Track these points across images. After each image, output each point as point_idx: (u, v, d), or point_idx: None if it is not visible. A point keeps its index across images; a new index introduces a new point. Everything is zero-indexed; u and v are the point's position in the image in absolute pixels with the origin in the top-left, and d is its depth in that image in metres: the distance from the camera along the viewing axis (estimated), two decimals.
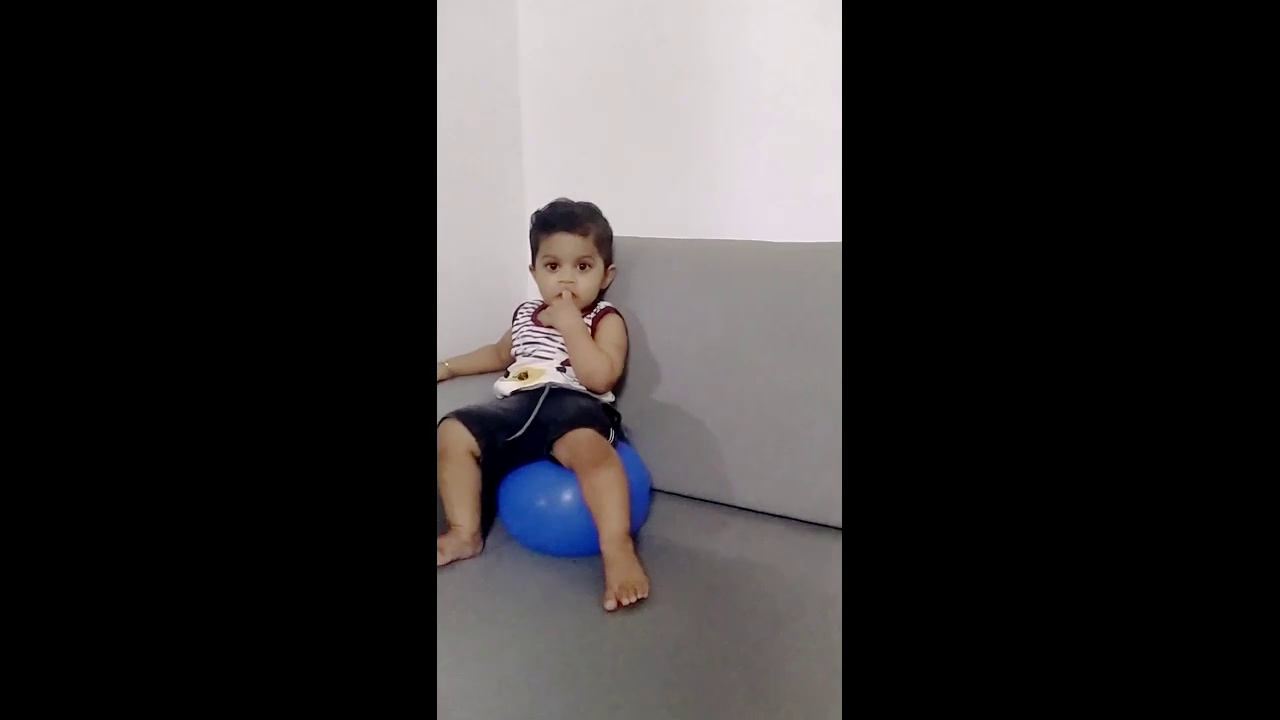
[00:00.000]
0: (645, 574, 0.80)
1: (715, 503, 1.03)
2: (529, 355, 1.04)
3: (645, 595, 0.77)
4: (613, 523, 0.83)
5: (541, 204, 1.09)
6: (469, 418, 0.91)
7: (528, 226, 1.09)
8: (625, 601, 0.75)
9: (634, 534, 0.92)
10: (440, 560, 0.85)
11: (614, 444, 0.94)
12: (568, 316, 1.00)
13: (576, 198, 1.09)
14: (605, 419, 0.97)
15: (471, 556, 0.89)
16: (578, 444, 0.88)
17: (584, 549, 0.84)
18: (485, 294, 1.38)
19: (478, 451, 0.90)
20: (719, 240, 1.13)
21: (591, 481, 0.84)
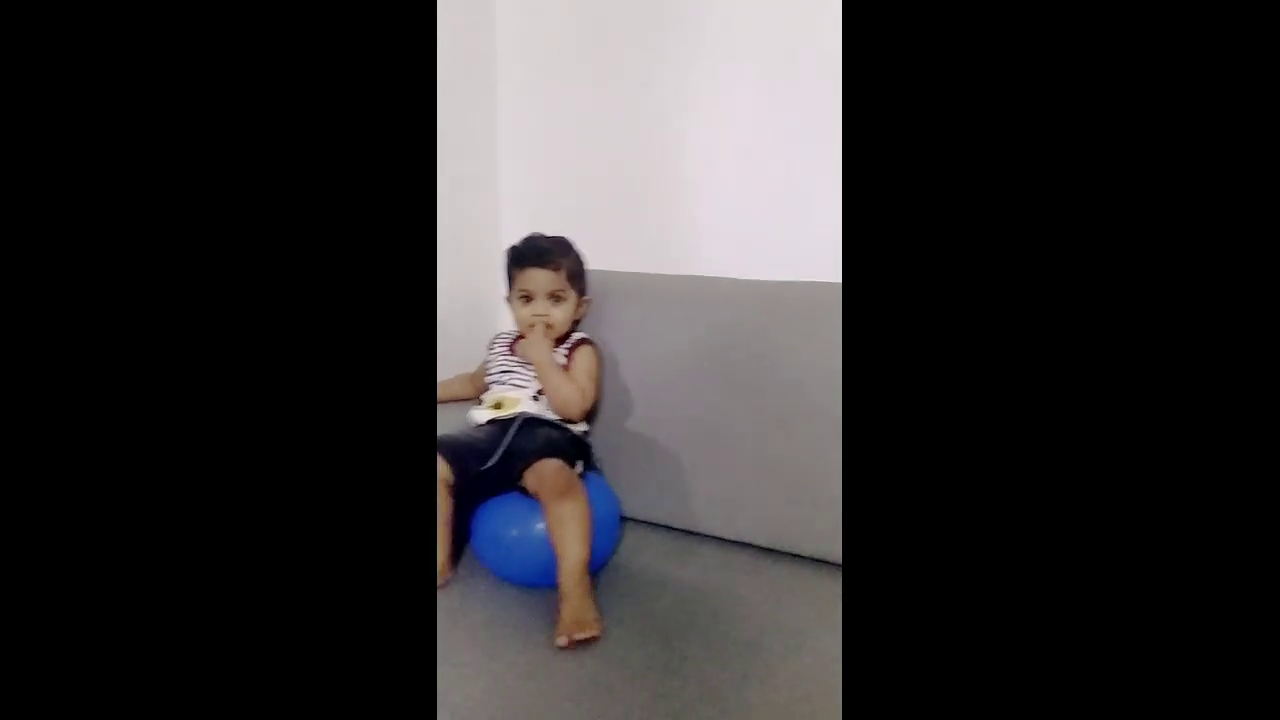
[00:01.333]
0: (598, 612, 0.81)
1: (686, 531, 1.05)
2: (504, 384, 1.06)
3: (596, 634, 0.78)
4: (571, 555, 0.84)
5: (517, 235, 1.12)
6: (443, 446, 0.93)
7: (503, 259, 1.12)
8: (576, 638, 0.77)
9: (604, 562, 0.94)
10: None
11: (582, 475, 0.96)
12: (538, 350, 1.03)
13: (551, 229, 1.12)
14: (572, 450, 0.99)
15: (442, 586, 0.90)
16: (544, 474, 0.90)
17: (553, 580, 0.85)
18: (461, 324, 1.39)
19: (451, 479, 0.92)
20: (692, 275, 1.17)
21: (555, 512, 0.86)
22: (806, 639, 0.79)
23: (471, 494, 0.95)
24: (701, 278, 1.15)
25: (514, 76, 1.41)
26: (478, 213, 1.44)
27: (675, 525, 1.06)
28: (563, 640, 0.77)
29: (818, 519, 0.94)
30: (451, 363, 1.24)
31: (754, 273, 1.10)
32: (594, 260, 1.14)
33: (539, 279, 1.05)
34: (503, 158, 1.45)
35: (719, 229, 1.28)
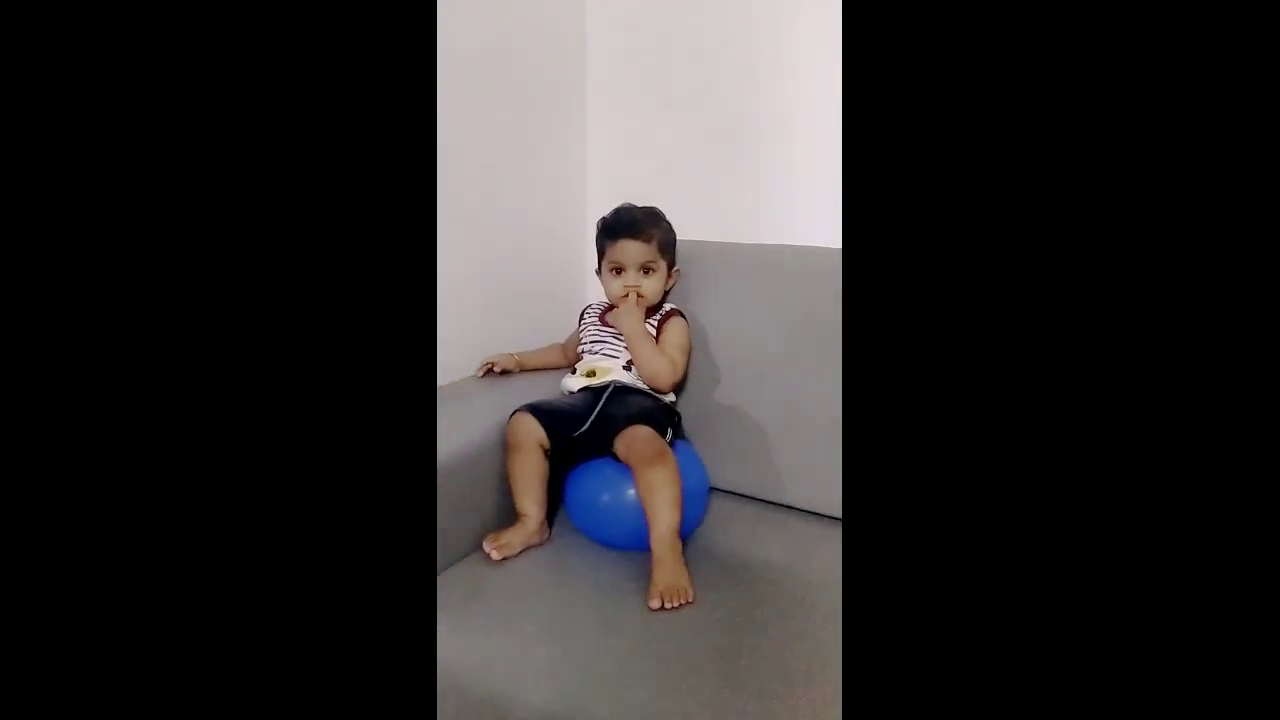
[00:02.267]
0: (690, 578, 0.82)
1: (773, 503, 1.05)
2: (596, 354, 1.08)
3: (689, 600, 0.79)
4: (663, 520, 0.85)
5: (605, 209, 1.13)
6: (539, 411, 0.96)
7: (592, 231, 1.14)
8: (669, 604, 0.78)
9: (691, 532, 0.95)
10: (510, 552, 0.90)
11: (671, 443, 0.98)
12: (630, 321, 1.04)
13: (639, 202, 1.13)
14: (664, 418, 1.00)
15: (539, 545, 0.93)
16: (635, 441, 0.91)
17: (644, 544, 0.87)
18: (550, 295, 1.43)
19: (546, 444, 0.95)
20: (781, 245, 1.15)
21: (645, 478, 0.87)
22: None
23: (564, 459, 0.98)
24: (793, 247, 1.13)
25: (603, 47, 1.42)
26: (566, 186, 1.46)
27: (763, 497, 1.06)
28: (655, 603, 0.79)
29: None
30: (545, 333, 1.27)
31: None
32: (683, 231, 1.15)
33: (630, 250, 1.06)
34: (591, 129, 1.46)
35: (812, 198, 1.25)
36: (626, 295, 1.06)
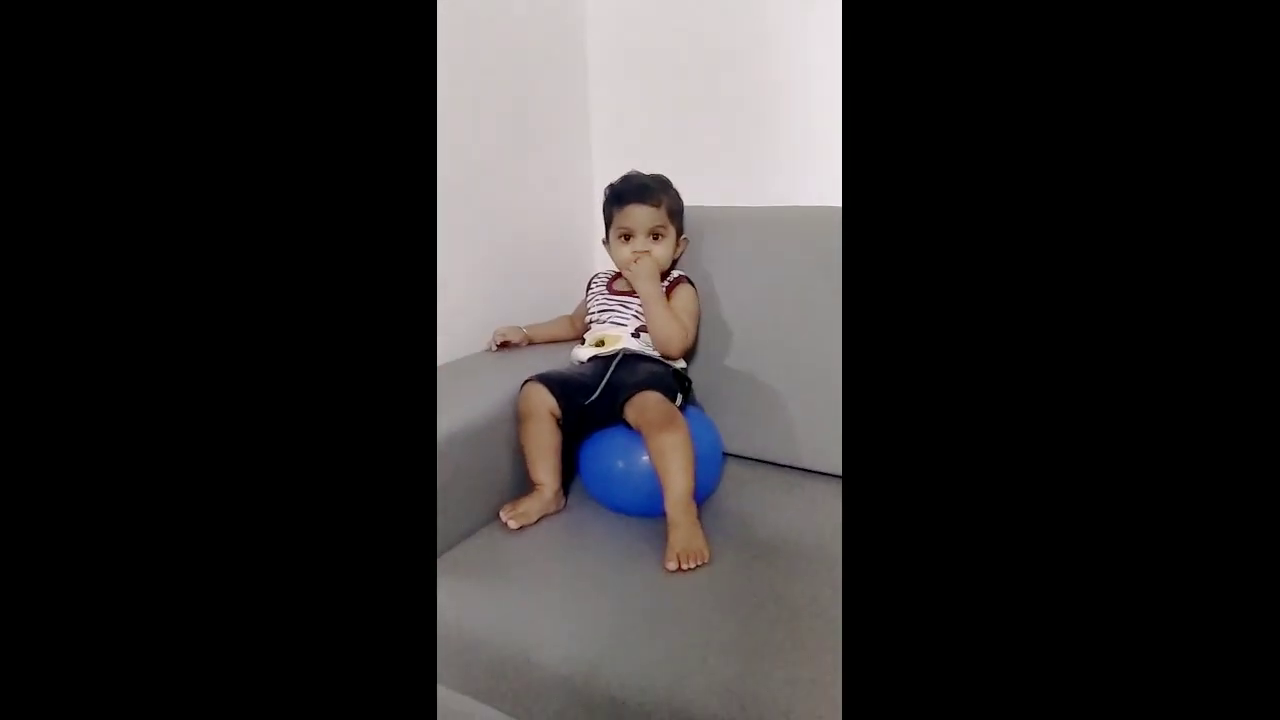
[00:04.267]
0: (706, 539, 0.83)
1: (787, 466, 1.05)
2: (604, 323, 1.08)
3: (705, 561, 0.80)
4: (676, 484, 0.86)
5: (609, 177, 1.12)
6: (549, 381, 0.96)
7: (597, 201, 1.13)
8: (686, 566, 0.79)
9: (706, 497, 0.96)
10: (527, 520, 0.91)
11: (682, 408, 0.98)
12: (648, 284, 1.03)
13: (645, 169, 1.11)
14: (674, 383, 1.00)
15: (556, 513, 0.94)
16: (645, 406, 0.91)
17: (659, 510, 0.88)
18: (556, 266, 1.42)
19: (558, 413, 0.95)
20: (787, 206, 1.14)
21: (657, 443, 0.87)
22: None
23: (577, 428, 0.98)
24: (800, 208, 1.12)
25: (604, 14, 1.40)
26: (570, 157, 1.45)
27: (777, 460, 1.06)
28: (672, 564, 0.79)
29: None
30: (553, 305, 1.27)
31: None
32: (690, 198, 1.13)
33: (639, 216, 1.05)
34: (593, 98, 1.45)
35: (817, 159, 1.24)
36: (638, 260, 1.05)
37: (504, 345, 1.14)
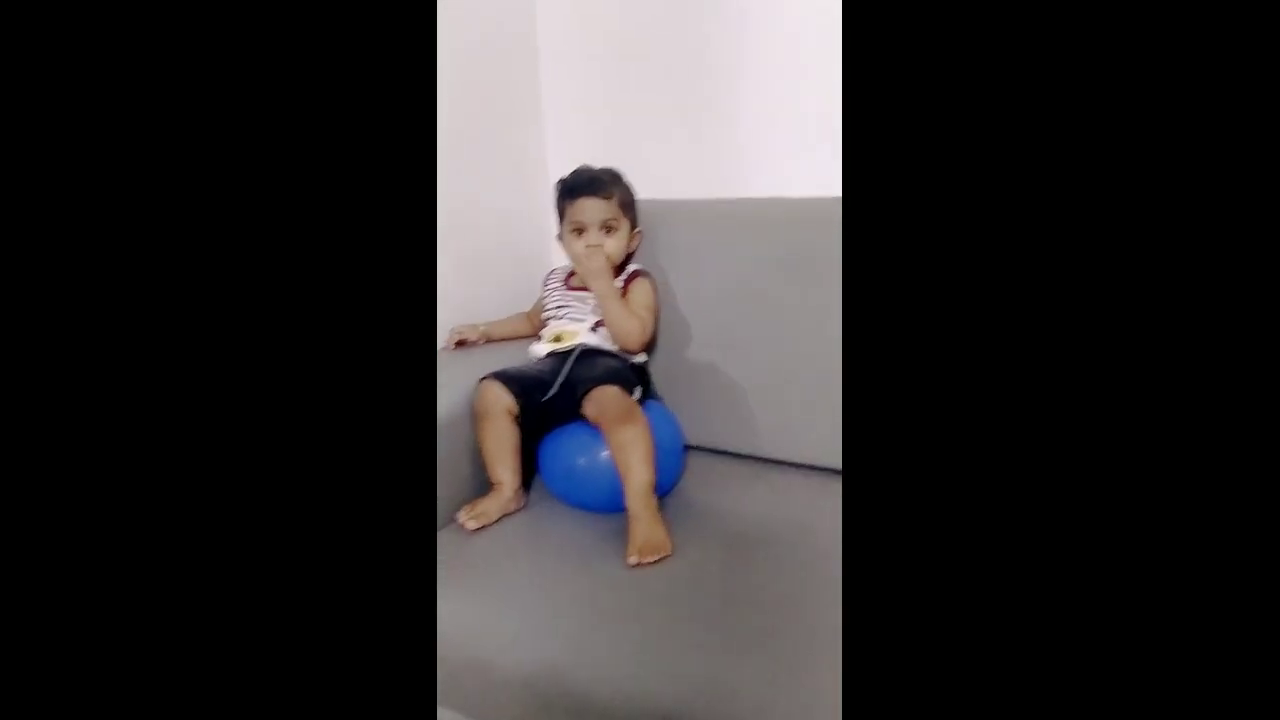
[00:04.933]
0: (668, 533, 0.82)
1: (748, 456, 1.05)
2: (561, 318, 1.07)
3: (667, 554, 0.79)
4: (637, 479, 0.85)
5: (564, 173, 1.10)
6: (506, 378, 0.95)
7: (552, 196, 1.11)
8: (647, 560, 0.78)
9: (669, 490, 0.95)
10: (487, 521, 0.89)
11: (642, 401, 0.97)
12: (601, 281, 1.02)
13: (599, 164, 1.10)
14: (632, 377, 0.99)
15: (516, 512, 0.92)
16: (603, 401, 0.90)
17: (621, 505, 0.87)
18: (513, 263, 1.40)
19: (516, 411, 0.94)
20: (743, 198, 1.14)
21: (616, 438, 0.87)
22: None
23: (536, 425, 0.96)
24: (755, 199, 1.12)
25: (554, 7, 1.38)
26: (524, 153, 1.43)
27: (738, 451, 1.06)
28: (634, 559, 0.78)
29: None
30: (507, 302, 1.25)
31: (808, 190, 1.07)
32: (642, 190, 1.13)
33: (591, 208, 1.04)
34: (546, 91, 1.43)
35: (772, 149, 1.24)
36: (591, 255, 1.03)
37: (461, 344, 1.12)
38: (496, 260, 1.36)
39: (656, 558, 0.79)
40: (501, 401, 0.93)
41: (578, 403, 0.92)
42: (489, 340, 1.15)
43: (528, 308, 1.22)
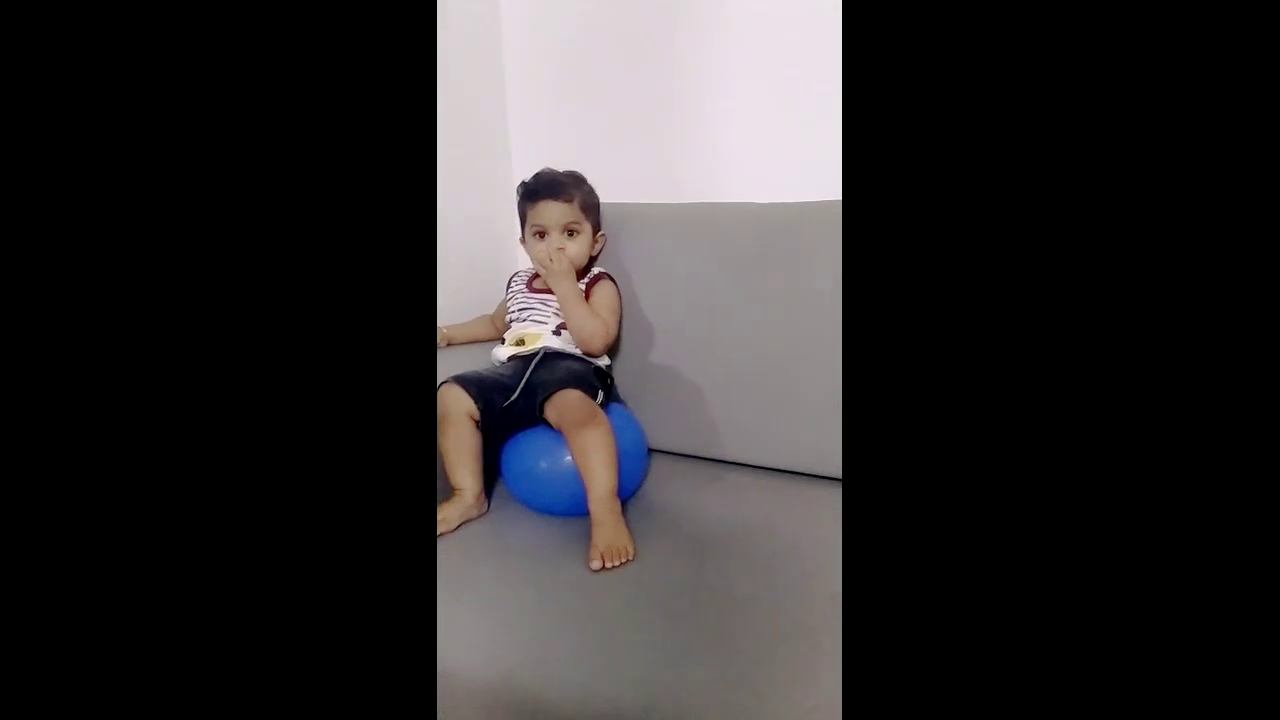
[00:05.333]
0: (630, 536, 0.82)
1: (710, 459, 1.05)
2: (524, 321, 1.06)
3: (630, 558, 0.79)
4: (599, 482, 0.85)
5: (528, 174, 1.10)
6: (467, 382, 0.93)
7: (515, 200, 1.11)
8: (610, 564, 0.78)
9: (632, 493, 0.95)
10: (448, 528, 0.88)
11: (604, 405, 0.97)
12: (564, 284, 1.02)
13: (563, 167, 1.10)
14: (594, 381, 0.99)
15: (478, 517, 0.91)
16: (565, 405, 0.90)
17: (584, 509, 0.86)
18: (476, 265, 1.39)
19: (477, 415, 0.93)
20: (707, 203, 1.15)
21: (578, 442, 0.86)
22: (830, 553, 0.79)
23: (498, 429, 0.96)
24: (719, 204, 1.13)
25: (519, 10, 1.37)
26: (488, 155, 1.42)
27: (701, 454, 1.06)
28: (596, 563, 0.78)
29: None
30: (471, 305, 1.24)
31: (770, 196, 1.08)
32: (605, 194, 1.13)
33: (552, 212, 1.04)
34: (511, 95, 1.42)
35: (733, 155, 1.25)
36: (552, 259, 1.03)
37: None
38: (457, 263, 1.35)
39: (619, 561, 0.78)
40: (462, 405, 0.92)
41: (540, 407, 0.92)
42: (450, 344, 1.14)
43: (489, 311, 1.21)
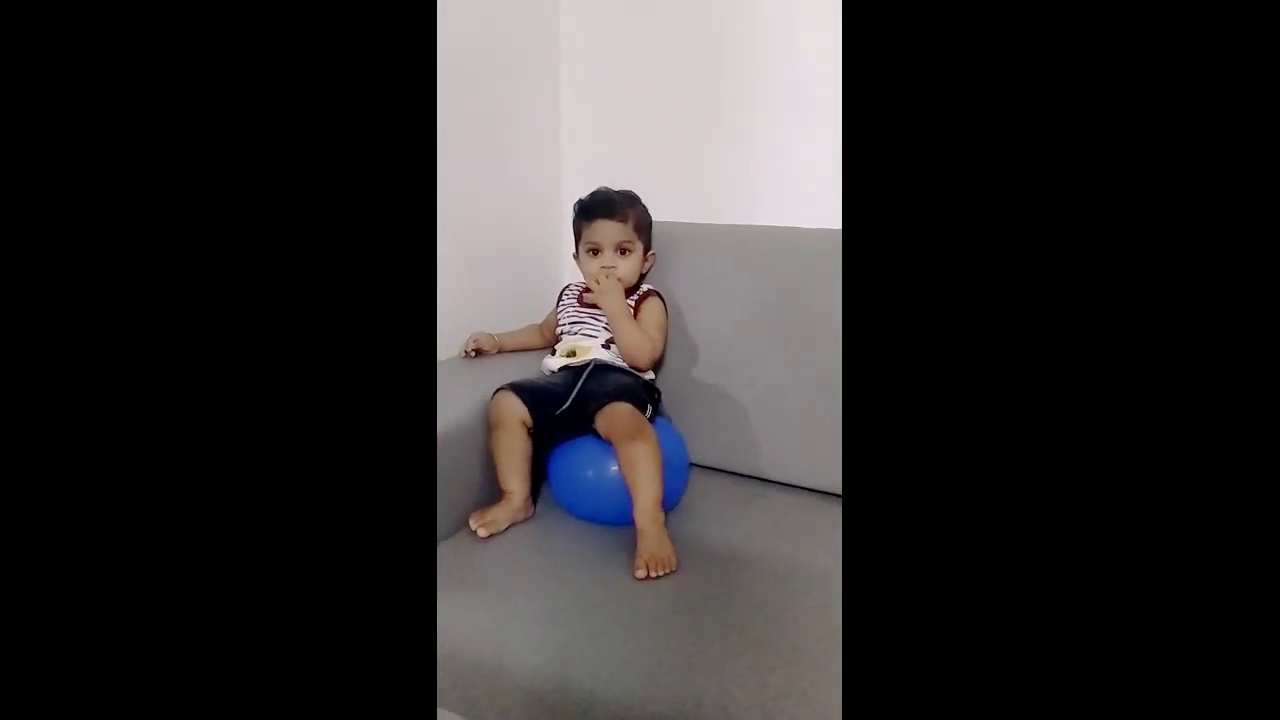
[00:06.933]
0: (674, 548, 0.84)
1: (751, 477, 1.08)
2: (575, 334, 1.10)
3: (673, 569, 0.82)
4: (645, 494, 0.87)
5: (578, 191, 1.14)
6: (521, 390, 0.97)
7: (565, 214, 1.14)
8: (654, 574, 0.80)
9: (673, 507, 0.97)
10: (496, 529, 0.91)
11: (651, 419, 1.00)
12: (613, 300, 1.05)
13: (612, 183, 1.14)
14: (644, 395, 1.02)
15: (524, 521, 0.95)
16: (615, 417, 0.93)
17: (627, 519, 0.89)
18: (525, 277, 1.43)
19: (529, 422, 0.96)
20: (755, 225, 1.18)
21: (627, 454, 0.89)
22: None
23: (546, 437, 0.99)
24: (767, 227, 1.16)
25: (576, 27, 1.42)
26: (540, 170, 1.46)
27: (742, 471, 1.09)
28: (641, 572, 0.81)
29: None
30: (519, 314, 1.28)
31: (819, 222, 1.10)
32: (658, 214, 1.16)
33: (607, 231, 1.07)
34: (565, 112, 1.47)
35: (786, 179, 1.28)
36: (605, 277, 1.07)
37: (478, 352, 1.15)
38: (509, 275, 1.39)
39: (663, 572, 0.81)
40: (516, 412, 0.96)
41: (590, 417, 0.95)
42: (500, 350, 1.18)
43: (536, 320, 1.25)
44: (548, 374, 1.06)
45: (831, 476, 1.01)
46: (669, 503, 0.94)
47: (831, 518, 0.96)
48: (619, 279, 1.07)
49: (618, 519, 0.91)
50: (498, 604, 0.79)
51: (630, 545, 0.86)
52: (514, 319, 1.26)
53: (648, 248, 1.13)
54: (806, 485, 1.04)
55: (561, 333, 1.12)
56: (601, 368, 1.03)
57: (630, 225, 1.08)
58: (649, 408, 1.01)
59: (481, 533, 0.90)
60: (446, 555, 0.88)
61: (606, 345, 1.07)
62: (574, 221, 1.13)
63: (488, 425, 0.97)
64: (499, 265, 1.37)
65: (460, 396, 1.00)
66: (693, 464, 1.08)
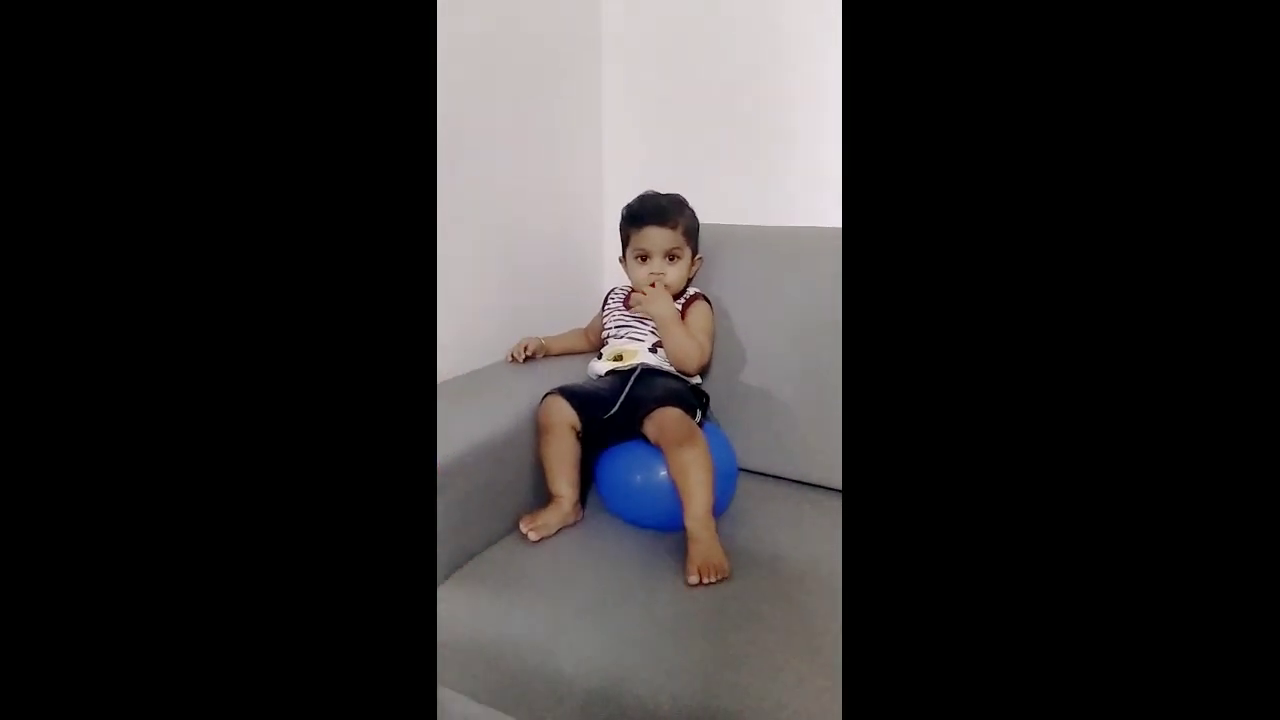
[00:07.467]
0: (726, 554, 0.84)
1: (801, 482, 1.07)
2: (621, 338, 1.10)
3: (726, 576, 0.81)
4: (696, 500, 0.87)
5: (621, 194, 1.13)
6: (569, 394, 0.97)
7: (608, 217, 1.15)
8: (707, 580, 0.80)
9: (722, 513, 0.97)
10: (547, 532, 0.92)
11: (700, 424, 0.99)
12: (661, 305, 1.05)
13: (655, 186, 1.13)
14: (692, 399, 1.01)
15: (573, 524, 0.95)
16: (665, 422, 0.92)
17: (675, 524, 0.89)
18: (567, 280, 1.44)
19: (578, 426, 0.96)
20: (802, 227, 1.17)
21: (677, 459, 0.89)
22: None
23: (595, 441, 0.99)
24: (814, 229, 1.14)
25: (618, 31, 1.42)
26: (582, 173, 1.47)
27: (791, 477, 1.08)
28: (694, 578, 0.80)
29: None
30: (561, 318, 1.29)
31: None
32: (704, 215, 1.16)
33: (656, 237, 1.07)
34: (607, 116, 1.47)
35: (827, 179, 1.27)
36: (653, 284, 1.06)
37: (528, 357, 1.16)
38: (553, 279, 1.40)
39: (716, 578, 0.81)
40: (565, 416, 0.96)
41: (638, 422, 0.95)
42: (547, 354, 1.19)
43: (578, 323, 1.25)
44: (594, 378, 1.06)
45: None
46: (718, 509, 0.94)
47: None
48: (666, 285, 1.07)
49: (665, 524, 0.91)
50: (551, 607, 0.80)
51: (677, 550, 0.85)
52: (556, 323, 1.27)
53: (695, 252, 1.13)
54: None
55: (608, 336, 1.12)
56: (649, 372, 1.03)
57: (679, 231, 1.08)
58: (698, 412, 1.01)
59: (532, 536, 0.90)
60: (498, 557, 0.89)
61: (653, 349, 1.07)
62: (621, 226, 1.13)
63: (537, 429, 0.98)
64: (541, 269, 1.38)
65: (510, 401, 1.01)
66: (742, 469, 1.07)
